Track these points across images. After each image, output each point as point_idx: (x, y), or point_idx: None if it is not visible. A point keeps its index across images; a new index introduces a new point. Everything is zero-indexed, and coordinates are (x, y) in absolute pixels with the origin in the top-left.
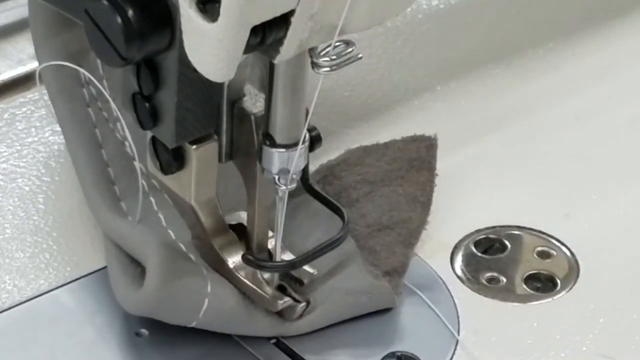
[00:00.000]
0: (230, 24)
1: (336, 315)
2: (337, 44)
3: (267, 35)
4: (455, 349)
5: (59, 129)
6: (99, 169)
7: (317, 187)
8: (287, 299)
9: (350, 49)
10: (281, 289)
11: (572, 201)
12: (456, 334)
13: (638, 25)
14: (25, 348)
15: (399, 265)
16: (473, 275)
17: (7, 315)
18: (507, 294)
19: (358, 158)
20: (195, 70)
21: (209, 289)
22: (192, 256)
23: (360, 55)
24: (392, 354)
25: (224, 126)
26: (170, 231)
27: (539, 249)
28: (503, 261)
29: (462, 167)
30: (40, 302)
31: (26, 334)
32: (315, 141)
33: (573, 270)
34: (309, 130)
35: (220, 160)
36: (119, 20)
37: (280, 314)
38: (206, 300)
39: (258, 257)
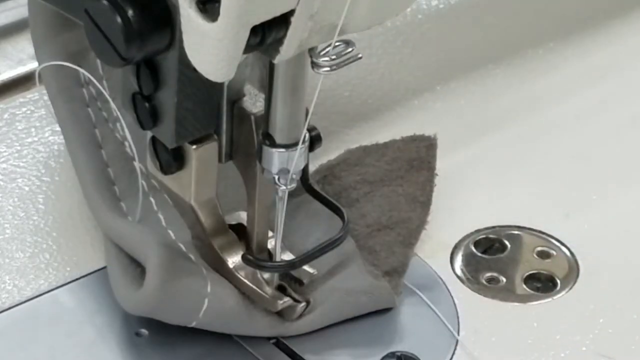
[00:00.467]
0: (230, 23)
1: (336, 315)
2: (337, 43)
3: (267, 35)
4: (455, 349)
5: (58, 129)
6: (98, 169)
7: (317, 187)
8: (287, 299)
9: (350, 49)
10: (281, 289)
11: (572, 201)
12: (456, 334)
13: (638, 25)
14: (25, 348)
15: (398, 265)
16: (473, 275)
17: (7, 315)
18: (507, 294)
19: (358, 158)
20: (195, 70)
21: (208, 289)
22: (192, 256)
23: (360, 55)
24: (392, 354)
25: (224, 126)
26: (170, 231)
27: (539, 249)
28: (503, 261)
29: (462, 167)
30: (40, 302)
31: (26, 334)
32: (315, 141)
33: (573, 270)
34: (309, 130)
35: (220, 160)
36: (119, 20)
37: (280, 314)
38: (206, 301)
39: (258, 257)
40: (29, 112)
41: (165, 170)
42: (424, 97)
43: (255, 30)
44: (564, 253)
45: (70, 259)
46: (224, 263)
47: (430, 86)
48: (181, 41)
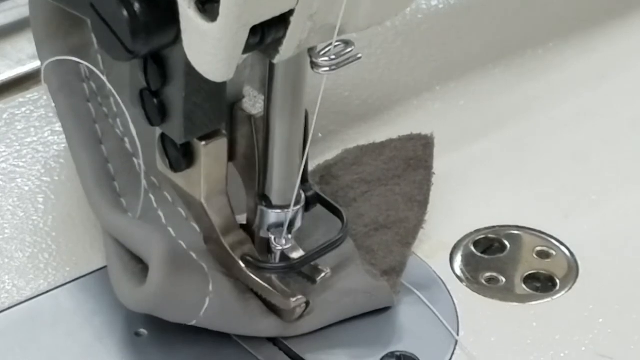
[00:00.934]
0: (229, 23)
1: (335, 316)
2: (337, 43)
3: (266, 35)
4: (454, 349)
5: (58, 129)
6: (99, 165)
7: (315, 188)
8: (300, 297)
9: (349, 49)
10: None
11: (572, 201)
12: (455, 334)
13: (638, 25)
14: (25, 348)
15: (396, 264)
16: (472, 275)
17: (7, 315)
18: (506, 294)
19: (355, 157)
20: None
21: (210, 288)
22: (193, 254)
23: (359, 55)
24: (392, 354)
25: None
26: (170, 229)
27: (539, 249)
28: (502, 261)
29: (462, 167)
30: (39, 302)
31: (25, 334)
32: (310, 202)
33: (572, 270)
34: (305, 190)
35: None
36: (125, 13)
37: (280, 314)
38: (207, 299)
39: (257, 258)
40: (28, 112)
41: (175, 167)
42: (424, 97)
43: (254, 30)
44: (564, 253)
45: (69, 259)
46: (235, 262)
47: (430, 86)
48: None
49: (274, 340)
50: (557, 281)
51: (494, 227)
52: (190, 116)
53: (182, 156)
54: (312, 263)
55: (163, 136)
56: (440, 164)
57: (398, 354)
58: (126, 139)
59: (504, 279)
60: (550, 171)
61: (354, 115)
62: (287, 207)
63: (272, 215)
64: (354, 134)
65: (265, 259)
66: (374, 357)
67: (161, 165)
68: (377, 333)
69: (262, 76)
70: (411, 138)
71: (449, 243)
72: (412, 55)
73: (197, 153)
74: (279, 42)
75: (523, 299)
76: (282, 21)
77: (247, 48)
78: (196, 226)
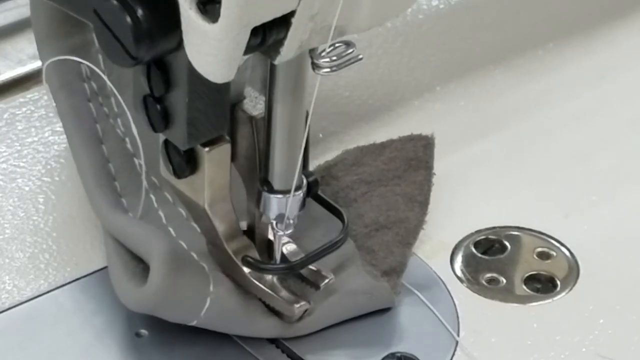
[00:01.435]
0: (230, 24)
1: (336, 316)
2: (338, 44)
3: (267, 36)
4: (455, 350)
5: (58, 129)
6: (99, 165)
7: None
8: (303, 303)
9: (350, 50)
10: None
11: (572, 202)
12: (456, 335)
13: (638, 25)
14: (25, 348)
15: (397, 264)
16: (473, 276)
17: (7, 315)
18: (506, 294)
19: (355, 158)
20: None
21: (211, 288)
22: (194, 254)
23: (360, 56)
24: (392, 355)
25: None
26: (170, 229)
27: (539, 249)
28: (503, 262)
29: (463, 168)
30: (40, 302)
31: (26, 334)
32: (312, 186)
33: (573, 271)
34: (307, 175)
35: None
36: (129, 19)
37: (281, 315)
38: (208, 299)
39: (258, 260)
40: (29, 112)
41: (178, 173)
42: (424, 98)
43: (255, 31)
44: (564, 254)
45: (70, 259)
46: (238, 268)
47: (430, 86)
48: None
49: (274, 341)
50: (558, 282)
51: (494, 227)
52: (194, 122)
53: (185, 162)
54: (315, 269)
55: (166, 142)
56: (440, 164)
57: (398, 354)
58: (127, 139)
59: (504, 280)
60: (550, 171)
61: (354, 115)
62: (289, 192)
63: (274, 201)
64: (354, 134)
65: (265, 261)
66: (374, 357)
67: (165, 171)
68: (378, 334)
69: (263, 77)
70: (411, 138)
71: (449, 244)
72: (412, 56)
73: (201, 159)
74: (280, 43)
75: (523, 299)
76: (283, 22)
77: (248, 49)
78: (197, 226)
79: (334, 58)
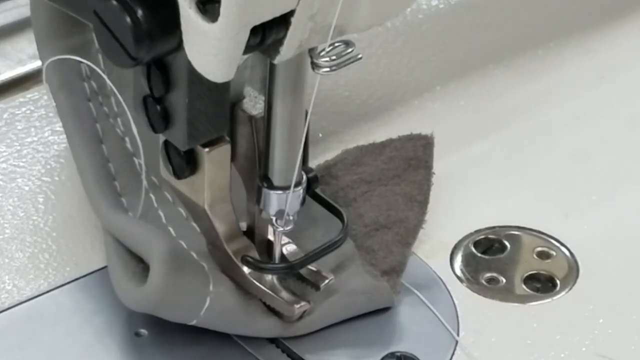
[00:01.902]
0: (230, 24)
1: (335, 316)
2: (337, 44)
3: (267, 35)
4: (454, 350)
5: (58, 128)
6: (99, 165)
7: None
8: (303, 303)
9: (350, 49)
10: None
11: (572, 201)
12: (455, 335)
13: (638, 25)
14: (25, 348)
15: (397, 264)
16: (472, 275)
17: (7, 315)
18: (506, 294)
19: (355, 157)
20: None
21: (211, 288)
22: (193, 254)
23: (360, 56)
24: (392, 355)
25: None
26: (170, 228)
27: (539, 249)
28: (503, 261)
29: (462, 168)
30: (39, 302)
31: (26, 334)
32: (312, 182)
33: (572, 271)
34: (306, 171)
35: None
36: (128, 20)
37: (280, 315)
38: (208, 299)
39: (257, 259)
40: (28, 112)
41: (178, 174)
42: (424, 97)
43: (255, 30)
44: (564, 253)
45: (69, 259)
46: (238, 268)
47: (430, 86)
48: None
49: (274, 341)
50: (558, 281)
51: (494, 227)
52: (194, 123)
53: (185, 163)
54: (315, 269)
55: (166, 143)
56: (440, 164)
57: (398, 354)
58: (127, 139)
59: (504, 280)
60: (550, 171)
61: (354, 115)
62: (289, 188)
63: (274, 197)
64: (354, 134)
65: (265, 260)
66: (374, 357)
67: (164, 172)
68: (377, 333)
69: (262, 77)
70: (411, 138)
71: (449, 243)
72: (412, 55)
73: (201, 160)
74: (279, 42)
75: (523, 299)
76: (282, 21)
77: (248, 48)
78: (196, 226)
79: (334, 57)
